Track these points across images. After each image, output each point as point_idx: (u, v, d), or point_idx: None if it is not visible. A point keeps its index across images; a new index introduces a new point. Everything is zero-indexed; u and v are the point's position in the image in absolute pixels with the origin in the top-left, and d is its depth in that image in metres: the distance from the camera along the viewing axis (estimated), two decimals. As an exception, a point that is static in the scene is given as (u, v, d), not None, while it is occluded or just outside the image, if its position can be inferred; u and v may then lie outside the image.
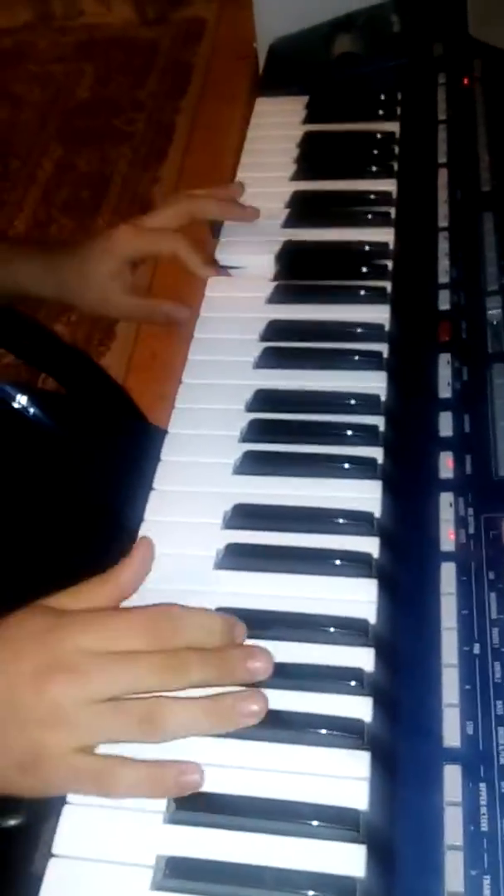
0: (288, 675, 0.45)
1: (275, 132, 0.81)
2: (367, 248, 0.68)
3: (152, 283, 1.72)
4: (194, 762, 0.41)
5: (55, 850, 0.41)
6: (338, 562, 0.49)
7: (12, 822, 0.60)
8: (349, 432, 0.55)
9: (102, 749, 0.42)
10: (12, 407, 0.78)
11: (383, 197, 0.72)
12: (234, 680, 0.43)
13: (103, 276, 0.69)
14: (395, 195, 0.72)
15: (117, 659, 0.41)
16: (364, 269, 0.66)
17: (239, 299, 0.66)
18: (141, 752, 0.41)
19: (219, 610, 0.48)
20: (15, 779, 0.41)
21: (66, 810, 0.42)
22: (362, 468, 0.53)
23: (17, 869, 0.56)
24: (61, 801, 0.42)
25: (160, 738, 0.41)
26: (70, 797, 0.42)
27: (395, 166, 0.74)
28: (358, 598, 0.48)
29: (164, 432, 0.57)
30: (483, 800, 0.39)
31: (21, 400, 0.78)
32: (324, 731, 0.43)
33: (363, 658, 0.45)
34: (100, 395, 0.91)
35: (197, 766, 0.41)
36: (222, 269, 0.68)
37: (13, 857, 0.57)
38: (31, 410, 0.79)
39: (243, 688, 0.43)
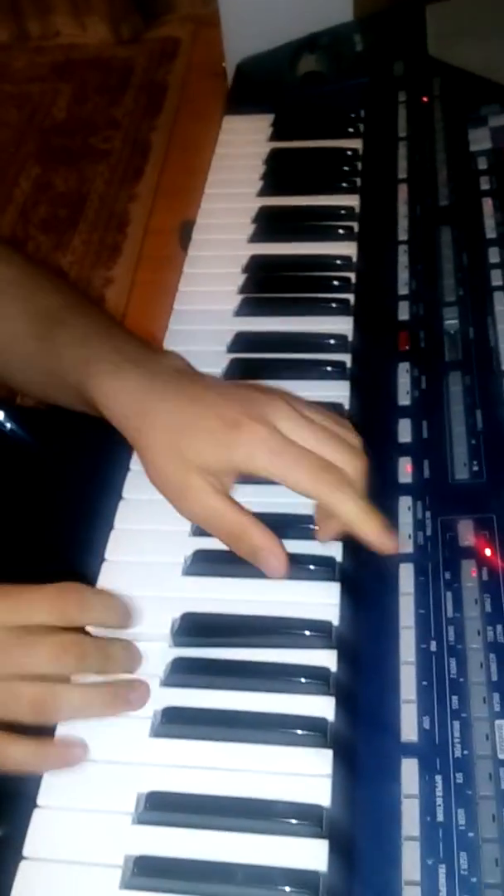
0: (255, 676, 0.46)
1: (242, 149, 0.83)
2: (331, 261, 0.70)
3: (128, 304, 1.74)
4: (78, 740, 0.44)
5: (25, 852, 0.42)
6: (303, 566, 0.50)
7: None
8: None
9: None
10: (-11, 422, 0.79)
11: (347, 212, 0.74)
12: (118, 672, 0.46)
13: (198, 468, 0.50)
14: (357, 210, 0.73)
15: (17, 638, 0.44)
16: (328, 282, 0.68)
17: (207, 312, 0.67)
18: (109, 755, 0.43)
19: (187, 615, 0.49)
20: None
21: (36, 813, 0.43)
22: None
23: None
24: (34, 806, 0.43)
25: (51, 722, 0.45)
26: (40, 800, 0.43)
27: (358, 182, 0.76)
28: (322, 600, 0.49)
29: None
30: (439, 791, 0.40)
31: (-2, 415, 0.79)
32: (289, 731, 0.44)
33: (327, 659, 0.46)
34: (77, 412, 0.92)
35: (79, 742, 0.44)
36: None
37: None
38: (8, 425, 0.80)
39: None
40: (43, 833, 0.42)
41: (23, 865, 0.41)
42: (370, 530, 0.47)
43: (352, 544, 0.50)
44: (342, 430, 0.51)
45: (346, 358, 0.62)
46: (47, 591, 0.46)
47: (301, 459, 0.48)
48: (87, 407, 0.56)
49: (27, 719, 0.44)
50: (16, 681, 0.44)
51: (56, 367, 0.56)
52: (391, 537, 0.47)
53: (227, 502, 0.49)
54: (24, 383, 0.64)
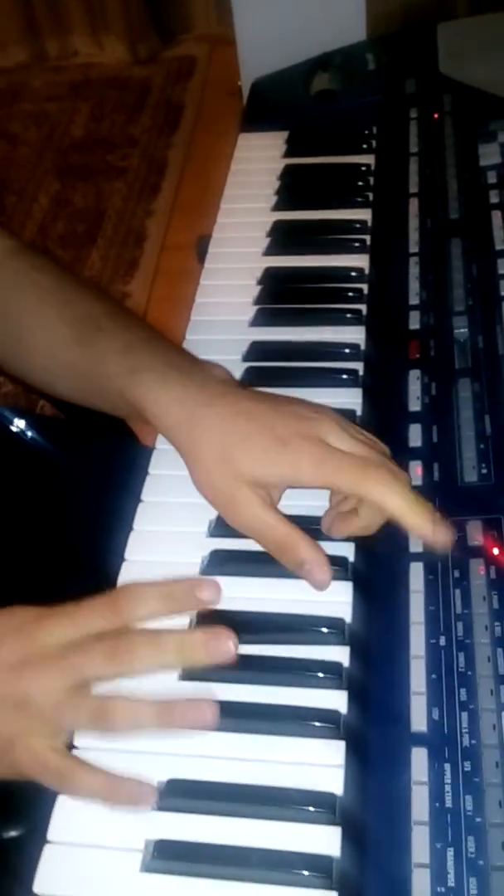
0: (271, 671, 0.48)
1: (257, 165, 0.85)
2: (344, 273, 0.72)
3: (145, 318, 1.77)
4: (149, 783, 0.44)
5: (50, 836, 0.44)
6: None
7: (13, 834, 0.63)
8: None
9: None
10: (10, 430, 0.81)
11: (359, 225, 0.76)
12: (177, 662, 0.46)
13: (248, 480, 0.51)
14: (370, 223, 0.76)
15: (76, 649, 0.44)
16: (341, 293, 0.70)
17: (223, 323, 0.70)
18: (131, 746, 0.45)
19: (204, 614, 0.51)
20: None
21: (59, 800, 0.45)
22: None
23: (16, 880, 0.58)
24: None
25: (111, 733, 0.44)
26: (65, 787, 0.45)
27: (370, 196, 0.78)
28: (335, 598, 0.51)
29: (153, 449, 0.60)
30: (447, 779, 0.41)
31: (19, 423, 0.81)
32: (303, 723, 0.46)
33: (340, 654, 0.48)
34: (95, 420, 0.94)
35: (151, 787, 0.44)
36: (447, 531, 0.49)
37: (12, 869, 0.59)
38: (29, 434, 0.82)
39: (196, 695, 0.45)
40: (66, 818, 0.44)
41: (46, 849, 0.43)
42: (421, 522, 0.47)
43: (364, 544, 0.52)
44: (380, 446, 0.53)
45: (359, 366, 0.64)
46: (100, 600, 0.45)
47: (345, 461, 0.48)
48: (129, 413, 0.57)
49: (93, 731, 0.44)
50: (75, 693, 0.43)
51: (99, 373, 0.57)
52: (444, 528, 0.47)
53: (275, 515, 0.50)
54: (66, 389, 0.64)
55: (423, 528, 0.47)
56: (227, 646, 0.43)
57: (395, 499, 0.47)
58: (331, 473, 0.48)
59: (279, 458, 0.49)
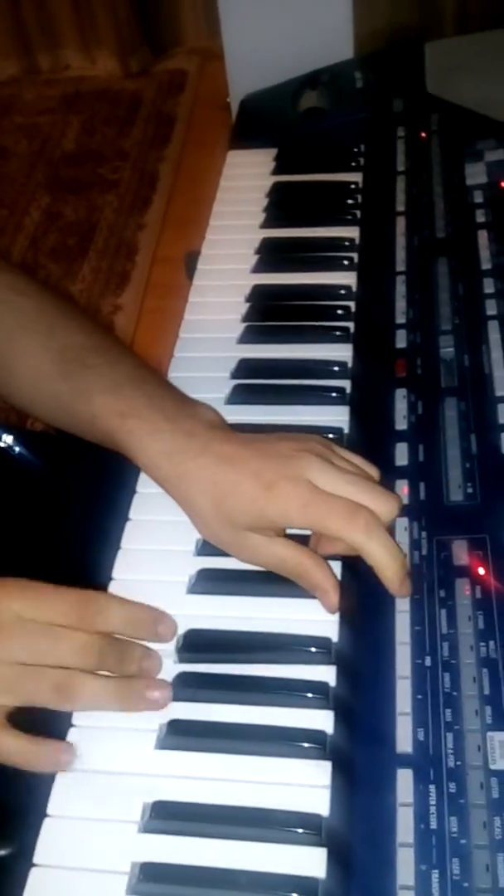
0: (257, 691, 0.48)
1: (246, 183, 0.86)
2: (331, 290, 0.72)
3: (136, 331, 1.77)
4: (71, 745, 0.46)
5: (36, 860, 0.43)
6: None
7: (1, 853, 0.62)
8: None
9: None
10: (-2, 446, 0.81)
11: (347, 243, 0.76)
12: (133, 673, 0.48)
13: (244, 526, 0.52)
14: (357, 241, 0.76)
15: (43, 629, 0.46)
16: (329, 311, 0.70)
17: (211, 340, 0.70)
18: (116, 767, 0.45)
19: (191, 632, 0.51)
20: None
21: (46, 822, 0.45)
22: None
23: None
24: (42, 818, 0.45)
25: (71, 707, 0.47)
26: (50, 809, 0.45)
27: (358, 214, 0.79)
28: (322, 618, 0.51)
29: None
30: (432, 800, 0.41)
31: (6, 439, 0.80)
32: (289, 744, 0.46)
33: (326, 674, 0.48)
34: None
35: (70, 747, 0.46)
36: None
37: (1, 887, 0.58)
38: (17, 449, 0.82)
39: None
40: (53, 841, 0.44)
41: (33, 872, 0.43)
42: (393, 576, 0.49)
43: (350, 565, 0.52)
44: (368, 468, 0.53)
45: (346, 384, 0.64)
46: (68, 596, 0.47)
47: (332, 506, 0.49)
48: (116, 450, 0.57)
49: (47, 701, 0.46)
50: (40, 666, 0.46)
51: (84, 411, 0.57)
52: (408, 584, 0.50)
53: (283, 548, 0.51)
54: (51, 419, 0.64)
55: (393, 582, 0.49)
56: (156, 699, 0.48)
57: (375, 549, 0.49)
58: (317, 517, 0.50)
59: (267, 504, 0.50)
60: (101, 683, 0.47)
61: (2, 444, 0.81)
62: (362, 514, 0.49)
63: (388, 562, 0.49)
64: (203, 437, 0.54)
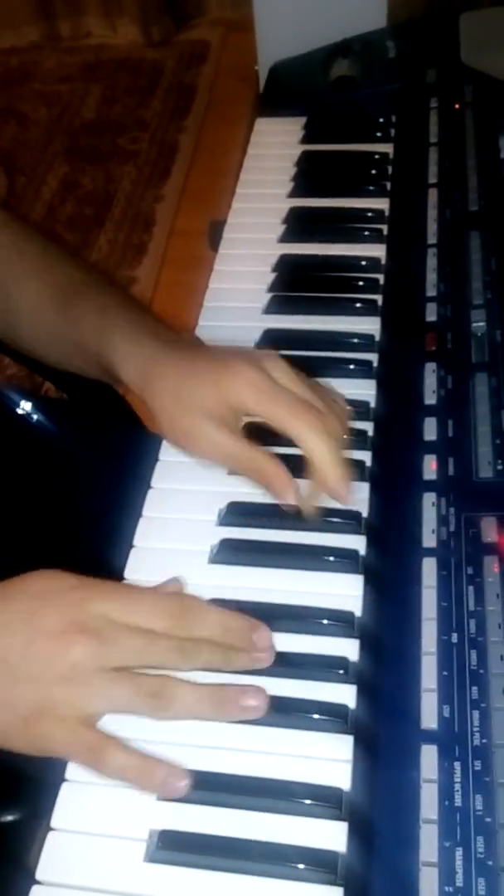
0: (279, 664, 0.47)
1: (274, 151, 0.84)
2: (360, 262, 0.71)
3: (152, 303, 1.76)
4: (184, 769, 0.43)
5: (53, 823, 0.43)
6: (327, 558, 0.51)
7: (9, 818, 0.62)
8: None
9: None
10: (16, 413, 0.80)
11: (376, 214, 0.75)
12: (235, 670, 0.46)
13: (201, 411, 0.53)
14: (387, 213, 0.75)
15: (139, 633, 0.43)
16: (357, 283, 0.69)
17: (236, 309, 0.69)
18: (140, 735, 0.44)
19: (213, 601, 0.50)
20: (14, 732, 0.43)
21: (64, 787, 0.44)
22: (352, 470, 0.55)
23: (13, 865, 0.58)
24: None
25: (165, 716, 0.43)
26: (68, 774, 0.44)
27: (389, 186, 0.77)
28: (345, 592, 0.50)
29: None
30: (457, 777, 0.41)
31: (25, 406, 0.80)
32: (311, 716, 0.45)
33: (349, 648, 0.48)
34: (100, 403, 0.94)
35: (185, 773, 0.43)
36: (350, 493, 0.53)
37: (9, 853, 0.58)
38: (35, 416, 0.81)
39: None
40: (70, 806, 0.43)
41: (50, 836, 0.43)
42: (331, 477, 0.50)
43: (376, 538, 0.51)
44: (332, 394, 0.55)
45: (373, 357, 0.63)
46: (165, 601, 0.45)
47: (285, 398, 0.51)
48: (106, 375, 0.60)
49: (142, 709, 0.43)
50: (134, 672, 0.43)
51: (78, 337, 0.60)
52: (347, 489, 0.51)
53: (231, 437, 0.52)
54: (52, 355, 0.67)
55: (331, 483, 0.50)
56: (253, 706, 0.44)
57: (315, 443, 0.50)
58: (271, 406, 0.51)
59: (221, 379, 0.52)
60: (197, 691, 0.44)
61: (20, 412, 0.80)
62: (313, 413, 0.51)
63: (328, 463, 0.50)
64: (178, 343, 0.57)
